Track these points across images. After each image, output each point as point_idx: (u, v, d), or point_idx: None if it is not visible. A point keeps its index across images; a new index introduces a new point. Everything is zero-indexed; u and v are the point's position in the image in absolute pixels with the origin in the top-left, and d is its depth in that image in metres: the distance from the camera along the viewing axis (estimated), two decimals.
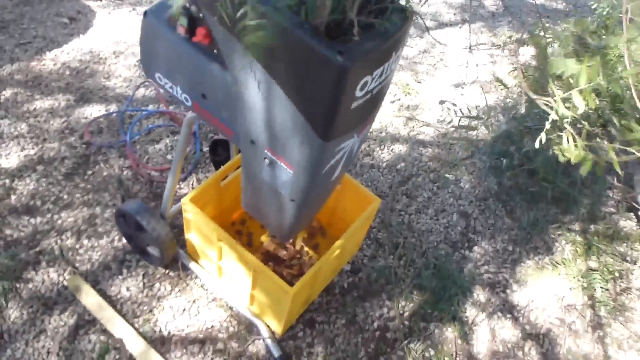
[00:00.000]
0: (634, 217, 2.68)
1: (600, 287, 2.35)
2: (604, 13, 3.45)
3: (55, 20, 3.07)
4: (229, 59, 1.28)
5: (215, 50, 1.35)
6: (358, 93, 1.17)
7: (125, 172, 2.31)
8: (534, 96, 1.18)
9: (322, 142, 1.23)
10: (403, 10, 1.19)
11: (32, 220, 2.07)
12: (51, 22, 3.05)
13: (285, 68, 1.16)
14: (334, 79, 1.09)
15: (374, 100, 1.29)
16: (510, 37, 3.77)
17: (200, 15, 1.33)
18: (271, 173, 1.43)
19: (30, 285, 1.89)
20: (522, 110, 3.13)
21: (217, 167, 2.38)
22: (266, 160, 1.40)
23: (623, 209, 2.70)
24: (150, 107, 2.63)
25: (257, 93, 1.26)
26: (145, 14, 1.48)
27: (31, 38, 2.90)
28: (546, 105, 1.18)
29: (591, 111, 2.98)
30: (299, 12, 1.09)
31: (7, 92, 2.55)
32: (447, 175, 2.67)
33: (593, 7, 3.56)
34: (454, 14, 3.88)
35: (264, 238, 2.11)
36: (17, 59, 2.75)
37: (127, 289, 1.94)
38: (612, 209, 2.71)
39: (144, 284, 1.96)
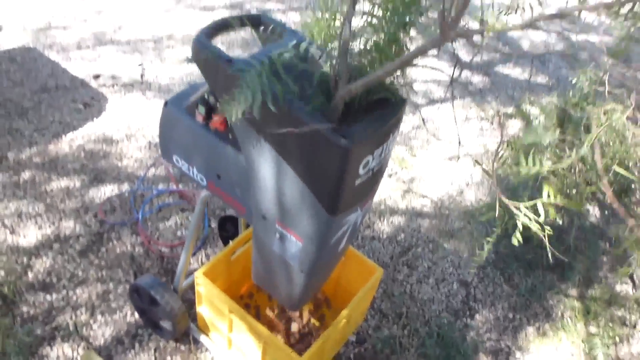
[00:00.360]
0: (629, 281, 2.76)
1: (602, 352, 2.40)
2: (583, 86, 3.68)
3: (70, 106, 3.26)
4: (243, 142, 1.42)
5: (230, 135, 1.50)
6: (361, 171, 1.30)
7: (137, 249, 2.41)
8: (507, 201, 1.30)
9: (330, 216, 1.35)
10: (399, 96, 1.34)
11: (48, 297, 2.15)
12: (67, 108, 3.24)
13: (295, 150, 1.29)
14: (339, 159, 1.22)
15: (375, 177, 1.42)
16: (498, 111, 3.99)
17: (218, 104, 1.49)
18: (281, 246, 1.53)
19: None
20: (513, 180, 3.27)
21: (225, 243, 2.48)
22: (277, 234, 1.51)
23: (618, 273, 2.79)
24: (161, 186, 2.76)
25: (268, 172, 1.39)
26: (165, 103, 1.65)
27: (48, 123, 3.08)
28: (516, 208, 1.29)
29: (579, 179, 3.13)
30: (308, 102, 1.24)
31: (26, 174, 2.69)
32: (445, 245, 2.77)
33: (573, 81, 3.80)
34: (444, 91, 4.12)
35: (270, 312, 2.18)
36: (35, 142, 2.91)
37: None
38: (608, 274, 2.79)
39: (155, 357, 2.01)
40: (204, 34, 1.40)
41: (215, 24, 1.48)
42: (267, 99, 1.16)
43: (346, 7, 1.14)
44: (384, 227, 2.81)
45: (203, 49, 1.36)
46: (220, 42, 4.13)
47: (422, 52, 1.04)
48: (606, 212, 3.14)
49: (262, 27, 1.56)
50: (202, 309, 1.99)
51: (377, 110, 1.31)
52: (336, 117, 1.24)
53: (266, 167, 1.38)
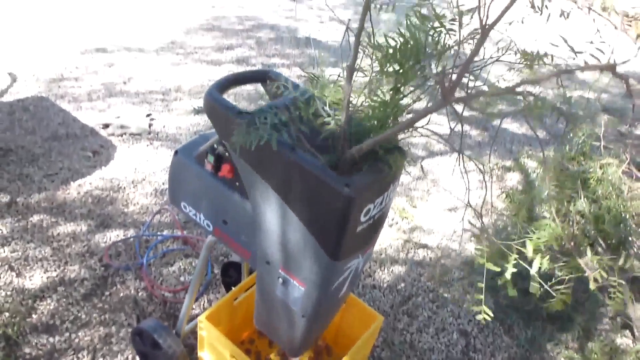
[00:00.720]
0: (629, 334, 2.77)
1: None
2: (580, 142, 3.78)
3: (80, 154, 3.36)
4: (250, 190, 1.49)
5: (237, 183, 1.57)
6: (362, 218, 1.36)
7: (140, 293, 2.44)
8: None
9: (332, 262, 1.40)
10: (399, 149, 1.42)
11: (51, 339, 2.17)
12: (76, 156, 3.34)
13: (299, 197, 1.36)
14: (342, 207, 1.29)
15: (376, 224, 1.48)
16: (496, 164, 4.08)
17: (226, 154, 1.57)
18: (284, 290, 1.57)
19: None
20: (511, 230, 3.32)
21: (227, 289, 2.51)
22: (280, 279, 1.55)
23: (618, 325, 2.80)
24: (166, 232, 2.82)
25: (273, 218, 1.45)
26: (176, 152, 1.73)
27: (58, 170, 3.17)
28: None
29: (577, 232, 3.18)
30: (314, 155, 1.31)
31: (34, 219, 2.76)
32: (445, 295, 2.80)
33: (570, 136, 3.90)
34: (443, 144, 4.23)
35: (273, 357, 2.19)
36: (44, 188, 2.99)
37: None
38: (607, 327, 2.80)
39: None
40: (215, 88, 1.50)
41: (225, 79, 1.58)
42: (272, 141, 1.25)
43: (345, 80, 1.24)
44: (385, 275, 2.85)
45: (214, 102, 1.45)
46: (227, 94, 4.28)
47: (426, 114, 1.13)
48: (605, 265, 3.17)
49: (269, 82, 1.66)
50: (204, 354, 2.01)
51: (378, 160, 1.38)
52: (344, 169, 1.32)
53: (271, 213, 1.44)
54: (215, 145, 1.62)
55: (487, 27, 1.02)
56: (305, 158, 1.31)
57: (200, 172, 1.64)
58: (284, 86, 1.61)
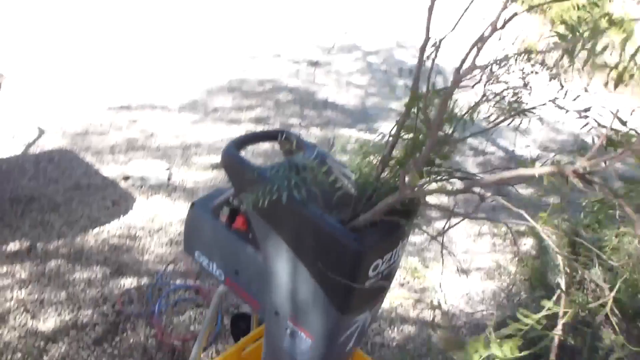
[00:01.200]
0: None
1: None
2: (594, 208, 3.79)
3: (100, 204, 3.46)
4: (262, 241, 1.54)
5: (250, 235, 1.63)
6: (371, 273, 1.40)
7: (150, 341, 2.47)
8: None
9: (340, 315, 1.43)
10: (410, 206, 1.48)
11: None
12: (96, 205, 3.44)
13: (310, 250, 1.41)
14: (350, 261, 1.34)
15: (385, 280, 1.52)
16: (510, 228, 4.09)
17: (241, 207, 1.64)
18: (292, 342, 1.60)
19: None
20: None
21: (236, 340, 2.52)
22: (288, 330, 1.58)
23: None
24: (179, 282, 2.86)
25: (284, 270, 1.50)
26: (192, 204, 1.81)
27: (78, 217, 3.27)
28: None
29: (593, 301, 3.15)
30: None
31: (52, 264, 2.83)
32: (455, 358, 2.76)
33: (583, 204, 3.92)
34: (457, 207, 4.26)
35: None
36: (63, 235, 3.08)
37: None
38: None
39: None
40: (233, 145, 1.59)
41: (243, 136, 1.68)
42: (284, 193, 1.31)
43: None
44: (394, 334, 2.83)
45: (231, 158, 1.54)
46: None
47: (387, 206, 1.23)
48: (621, 335, 3.11)
49: (285, 142, 1.75)
50: None
51: (388, 218, 1.44)
52: (359, 229, 1.37)
53: (282, 265, 1.49)
54: (230, 199, 1.69)
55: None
56: (316, 213, 1.37)
57: (215, 223, 1.71)
58: (300, 146, 1.70)
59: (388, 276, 1.52)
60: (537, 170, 1.03)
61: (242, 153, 1.57)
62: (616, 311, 3.17)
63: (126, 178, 3.84)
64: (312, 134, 5.10)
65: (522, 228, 4.16)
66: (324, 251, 1.37)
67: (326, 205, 1.39)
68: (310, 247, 1.40)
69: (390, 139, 1.42)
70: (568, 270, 3.58)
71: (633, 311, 3.02)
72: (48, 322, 2.47)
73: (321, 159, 1.56)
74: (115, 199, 3.55)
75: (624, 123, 1.08)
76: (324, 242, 1.36)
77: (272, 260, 1.52)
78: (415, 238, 3.76)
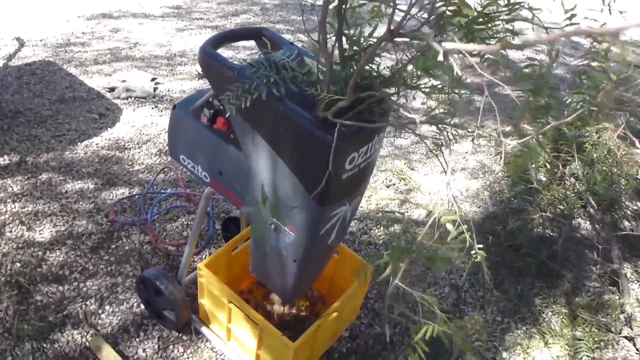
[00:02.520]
0: (616, 290, 2.86)
1: (586, 356, 2.49)
2: (577, 106, 3.82)
3: (86, 116, 3.46)
4: (243, 141, 1.57)
5: (231, 135, 1.65)
6: (347, 166, 1.44)
7: (145, 247, 2.56)
8: None
9: (319, 207, 1.49)
10: (385, 100, 1.50)
11: (60, 288, 2.30)
12: (83, 118, 3.43)
13: (287, 145, 1.44)
14: (326, 154, 1.37)
15: (362, 174, 1.56)
16: (495, 129, 4.13)
17: (221, 107, 1.65)
18: (276, 237, 1.67)
19: (56, 346, 2.07)
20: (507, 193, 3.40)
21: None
22: (272, 226, 1.65)
23: (606, 282, 2.89)
24: (169, 190, 2.93)
25: (264, 167, 1.54)
26: (174, 107, 1.81)
27: (65, 131, 3.27)
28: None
29: (572, 194, 3.26)
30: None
31: (43, 177, 2.87)
32: (439, 252, 2.89)
33: (567, 100, 3.94)
34: (444, 111, 4.28)
35: (267, 303, 2.31)
36: (52, 148, 3.10)
37: (144, 350, 2.12)
38: (596, 283, 2.89)
39: (159, 346, 2.15)
40: (210, 44, 1.57)
41: (220, 34, 1.65)
42: (263, 93, 1.32)
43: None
44: (381, 233, 2.95)
45: (208, 57, 1.53)
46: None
47: (374, 50, 1.20)
48: (596, 225, 3.25)
49: (263, 40, 1.73)
50: (204, 301, 2.13)
51: (365, 111, 1.46)
52: (334, 124, 1.39)
53: (262, 162, 1.53)
54: (211, 99, 1.70)
55: None
56: (293, 108, 1.38)
57: (197, 125, 1.73)
58: (278, 44, 1.69)
59: (365, 169, 1.56)
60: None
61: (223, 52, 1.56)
62: (592, 202, 3.28)
63: (111, 90, 3.81)
64: (298, 39, 5.00)
65: (508, 128, 4.20)
66: (301, 145, 1.40)
67: (303, 102, 1.41)
68: (288, 143, 1.43)
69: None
70: (548, 167, 3.64)
71: (608, 202, 3.13)
72: (44, 233, 2.55)
73: (300, 57, 1.56)
74: (101, 112, 3.54)
75: None
76: (300, 137, 1.39)
77: (252, 158, 1.56)
78: (402, 141, 3.81)
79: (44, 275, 2.35)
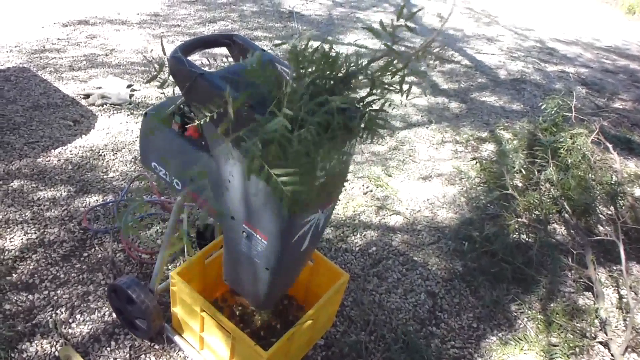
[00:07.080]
0: (591, 295, 2.89)
1: None
2: (552, 112, 3.88)
3: (60, 123, 3.41)
4: (213, 147, 1.56)
5: (202, 142, 1.64)
6: (319, 173, 1.44)
7: (118, 255, 2.52)
8: None
9: (291, 215, 1.48)
10: (355, 109, 1.50)
11: (30, 297, 2.25)
12: (57, 124, 3.39)
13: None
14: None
15: (334, 180, 1.56)
16: (472, 135, 4.17)
17: (192, 114, 1.64)
18: (248, 244, 1.66)
19: (24, 355, 2.03)
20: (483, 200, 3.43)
21: None
22: (244, 233, 1.64)
23: (581, 287, 2.92)
24: (144, 198, 2.89)
25: (235, 174, 1.53)
26: (145, 114, 1.80)
27: (39, 138, 3.22)
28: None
29: (547, 200, 3.30)
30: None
31: (15, 184, 2.82)
32: (415, 259, 2.90)
33: (542, 107, 3.99)
34: (421, 116, 4.31)
35: (239, 310, 2.29)
36: (25, 155, 3.04)
37: None
38: (571, 289, 2.92)
39: (130, 355, 2.11)
40: (180, 50, 1.56)
41: (191, 41, 1.64)
42: (229, 105, 1.31)
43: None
44: (357, 240, 2.94)
45: (178, 64, 1.52)
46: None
47: None
48: (571, 230, 3.29)
49: (234, 46, 1.72)
50: (177, 310, 2.10)
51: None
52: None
53: (234, 169, 1.52)
54: (182, 106, 1.69)
55: None
56: (262, 116, 1.38)
57: (168, 132, 1.71)
58: (249, 50, 1.68)
59: (338, 177, 1.56)
60: None
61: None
62: (567, 208, 3.32)
63: (86, 96, 3.76)
64: (278, 47, 5.00)
65: (485, 134, 4.24)
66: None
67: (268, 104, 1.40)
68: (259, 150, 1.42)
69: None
70: (524, 172, 3.70)
71: (582, 207, 3.17)
72: (15, 241, 2.49)
73: (270, 63, 1.55)
74: (76, 118, 3.49)
75: None
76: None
77: (223, 166, 1.54)
78: (379, 148, 3.82)
79: (14, 283, 2.30)
